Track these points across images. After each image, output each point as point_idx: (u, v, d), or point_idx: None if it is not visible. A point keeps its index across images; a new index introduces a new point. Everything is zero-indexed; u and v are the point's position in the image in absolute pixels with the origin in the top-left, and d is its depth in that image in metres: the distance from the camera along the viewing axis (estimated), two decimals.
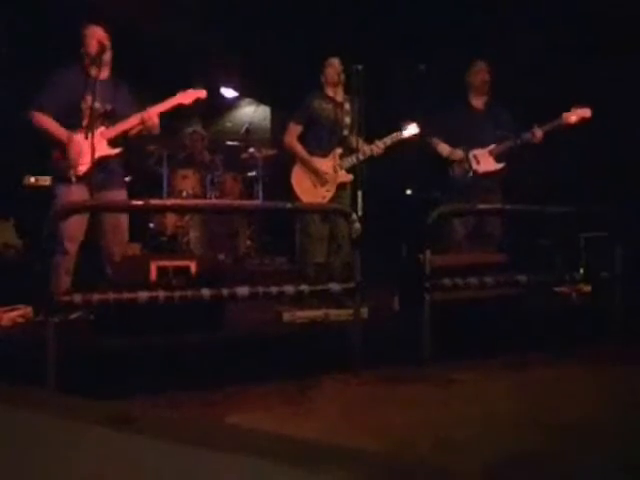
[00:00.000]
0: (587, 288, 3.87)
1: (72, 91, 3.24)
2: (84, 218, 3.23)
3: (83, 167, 3.18)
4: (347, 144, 3.92)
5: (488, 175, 4.04)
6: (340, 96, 3.99)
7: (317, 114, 3.93)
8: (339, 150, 3.91)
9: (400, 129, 3.92)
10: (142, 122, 3.28)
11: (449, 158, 4.07)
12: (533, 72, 4.96)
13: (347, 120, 3.94)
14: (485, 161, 4.04)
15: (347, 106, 3.95)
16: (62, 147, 3.22)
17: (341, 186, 3.92)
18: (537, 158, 4.52)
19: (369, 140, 3.92)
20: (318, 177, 3.89)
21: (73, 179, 3.19)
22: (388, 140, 3.90)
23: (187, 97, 3.37)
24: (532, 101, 4.55)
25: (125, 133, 3.32)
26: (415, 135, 3.93)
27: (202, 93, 3.42)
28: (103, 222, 3.31)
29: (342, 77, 3.91)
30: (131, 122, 3.29)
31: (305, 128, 3.97)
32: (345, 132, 3.94)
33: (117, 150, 3.32)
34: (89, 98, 3.19)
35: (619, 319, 3.14)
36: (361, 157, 3.79)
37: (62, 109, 3.23)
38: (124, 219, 3.43)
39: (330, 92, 3.99)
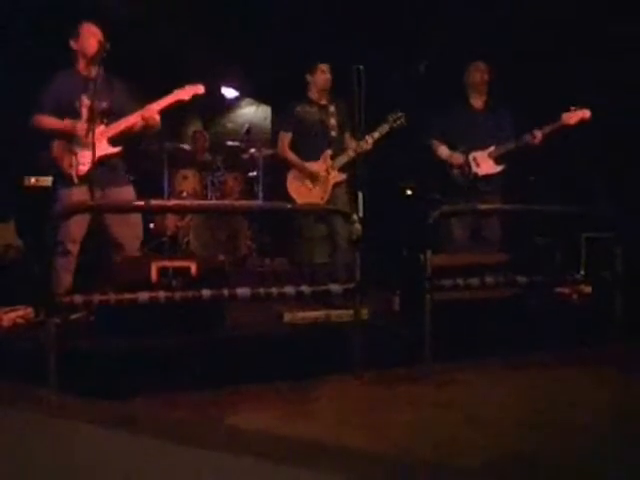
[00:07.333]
0: (588, 289, 3.86)
1: (67, 92, 3.23)
2: (85, 219, 3.22)
3: (84, 167, 3.17)
4: (337, 145, 3.94)
5: (488, 178, 4.03)
6: (325, 99, 4.01)
7: (302, 119, 3.96)
8: (329, 151, 3.92)
9: (386, 120, 3.90)
10: (143, 119, 3.26)
11: (449, 162, 4.07)
12: (533, 72, 4.96)
13: (333, 122, 3.96)
14: (485, 164, 4.02)
15: (332, 108, 3.98)
16: (63, 145, 3.20)
17: (336, 186, 3.93)
18: (538, 158, 4.51)
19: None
20: (312, 180, 3.91)
21: (75, 180, 3.18)
22: (376, 134, 3.87)
23: (185, 93, 3.32)
24: (532, 102, 4.54)
25: (126, 132, 3.30)
26: (402, 123, 3.89)
27: (200, 88, 3.36)
28: (108, 220, 3.29)
29: (329, 84, 3.94)
30: (132, 120, 3.26)
31: (294, 134, 3.99)
32: (333, 133, 3.96)
33: (118, 149, 3.30)
34: (85, 97, 3.18)
35: (620, 320, 3.14)
36: (352, 154, 3.81)
37: (60, 111, 3.21)
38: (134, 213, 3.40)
39: (314, 96, 4.01)
